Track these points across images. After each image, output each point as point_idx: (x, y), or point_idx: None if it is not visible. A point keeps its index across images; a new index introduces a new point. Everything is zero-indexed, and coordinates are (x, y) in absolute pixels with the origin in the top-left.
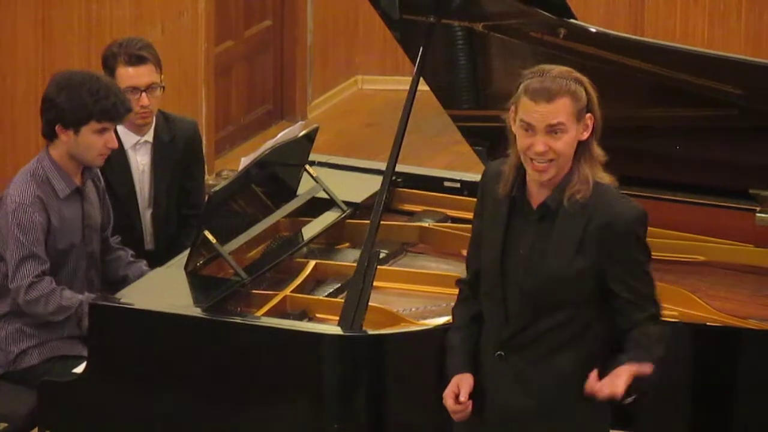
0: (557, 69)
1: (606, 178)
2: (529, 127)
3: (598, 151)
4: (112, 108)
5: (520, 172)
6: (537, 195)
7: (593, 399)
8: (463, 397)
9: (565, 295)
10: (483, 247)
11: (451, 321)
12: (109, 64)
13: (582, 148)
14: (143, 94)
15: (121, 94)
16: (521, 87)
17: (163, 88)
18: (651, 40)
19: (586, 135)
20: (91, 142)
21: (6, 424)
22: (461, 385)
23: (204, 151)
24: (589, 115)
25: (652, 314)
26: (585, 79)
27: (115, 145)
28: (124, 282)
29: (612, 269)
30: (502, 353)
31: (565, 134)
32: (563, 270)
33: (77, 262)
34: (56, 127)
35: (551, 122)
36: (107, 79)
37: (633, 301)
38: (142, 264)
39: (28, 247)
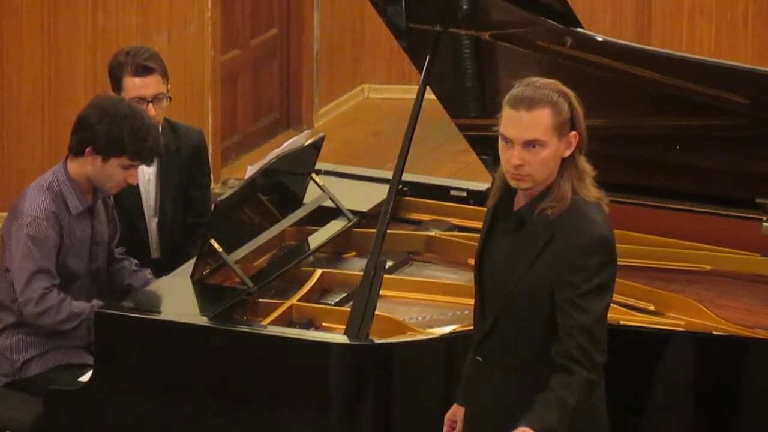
0: (544, 81)
1: (594, 194)
2: (507, 140)
3: (585, 168)
4: (148, 152)
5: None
6: (520, 202)
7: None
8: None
9: (523, 305)
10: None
11: (457, 330)
12: (116, 73)
13: (567, 164)
14: (150, 104)
15: (158, 137)
16: (505, 97)
17: (170, 98)
18: (657, 49)
19: (568, 152)
20: (115, 174)
21: None
22: (458, 418)
23: (210, 159)
24: (573, 133)
25: (589, 357)
26: (571, 94)
27: (135, 181)
28: (128, 291)
29: (559, 292)
30: (479, 358)
31: (543, 149)
32: (516, 280)
33: (82, 279)
34: (87, 149)
35: (528, 137)
36: (149, 120)
37: (568, 331)
38: (146, 272)
39: (41, 261)
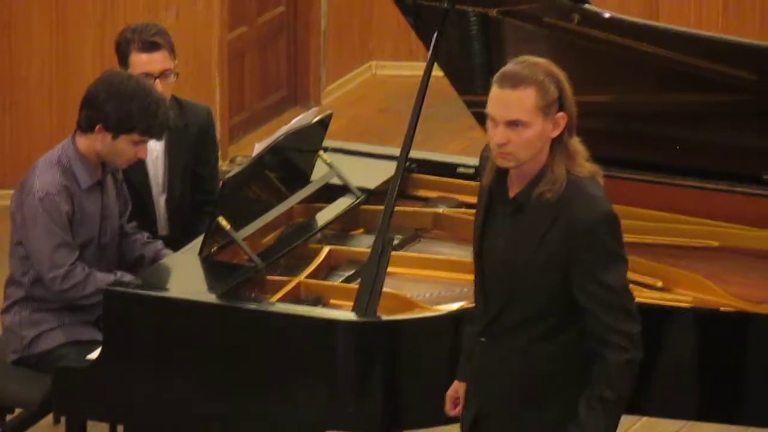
0: (535, 60)
1: (587, 168)
2: (491, 118)
3: (576, 147)
4: (158, 127)
5: None
6: (515, 186)
7: (577, 385)
8: (460, 408)
9: (532, 287)
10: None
11: (464, 306)
12: (123, 49)
13: (556, 145)
14: (157, 80)
15: (168, 111)
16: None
17: (177, 74)
18: (665, 25)
19: (556, 133)
20: (125, 149)
21: (21, 410)
22: (461, 394)
23: (217, 137)
24: (561, 114)
25: (620, 333)
26: (561, 75)
27: (145, 156)
28: (139, 261)
29: (573, 272)
30: (485, 339)
31: (526, 129)
32: (527, 263)
33: (92, 254)
34: (97, 126)
35: (510, 117)
36: (158, 95)
37: (596, 314)
38: (158, 243)
39: (61, 235)
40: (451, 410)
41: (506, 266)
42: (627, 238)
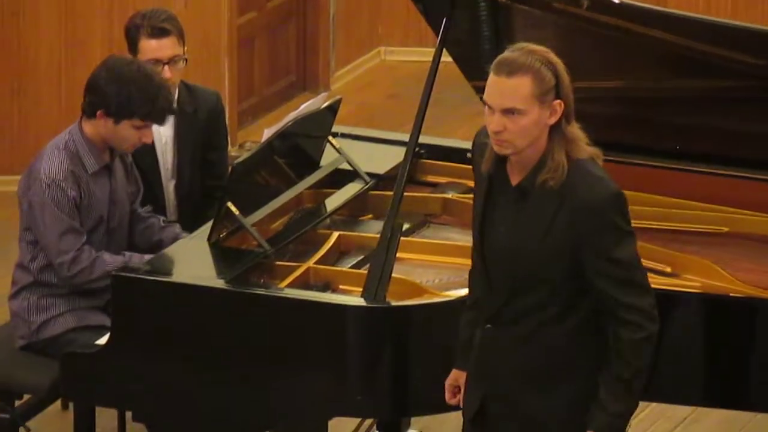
0: (532, 47)
1: (587, 151)
2: (488, 106)
3: (575, 133)
4: (158, 112)
5: None
6: (515, 174)
7: (583, 369)
8: (460, 398)
9: (541, 273)
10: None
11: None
12: (132, 35)
13: (554, 131)
14: (166, 66)
15: (169, 96)
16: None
17: (186, 60)
18: (674, 10)
19: (553, 120)
20: (129, 135)
21: (29, 396)
22: (461, 383)
23: (227, 122)
24: (558, 101)
25: (635, 309)
26: (558, 63)
27: (150, 140)
28: (159, 246)
29: (585, 256)
30: (491, 326)
31: (523, 117)
32: (536, 249)
33: (101, 239)
34: (98, 112)
35: (506, 105)
36: (159, 79)
37: (611, 294)
38: (176, 227)
39: (67, 221)
40: (450, 399)
41: (511, 254)
42: (636, 223)
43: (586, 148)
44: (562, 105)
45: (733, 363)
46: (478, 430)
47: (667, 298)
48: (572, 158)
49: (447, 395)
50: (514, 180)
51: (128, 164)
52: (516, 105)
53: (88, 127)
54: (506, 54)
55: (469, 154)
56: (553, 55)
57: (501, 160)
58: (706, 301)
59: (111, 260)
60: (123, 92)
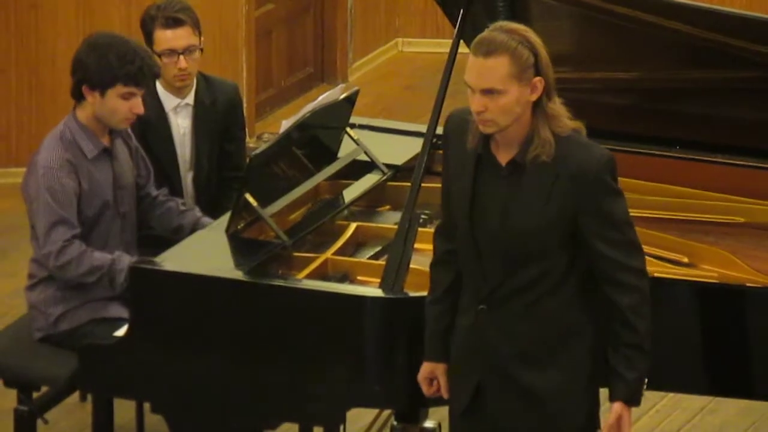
0: (510, 26)
1: (569, 125)
2: (468, 86)
3: (557, 110)
4: (138, 72)
5: None
6: (504, 152)
7: (578, 337)
8: (443, 391)
9: (538, 248)
10: (452, 200)
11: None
12: (147, 27)
13: (537, 107)
14: (181, 56)
15: (148, 59)
16: None
17: (202, 50)
18: (689, 1)
19: (534, 96)
20: (117, 106)
21: (48, 388)
22: (438, 375)
23: (245, 113)
24: (538, 78)
25: (631, 270)
26: (537, 41)
27: (141, 110)
28: (178, 231)
29: (584, 221)
30: (485, 307)
31: (502, 96)
32: (533, 224)
33: (110, 224)
34: (83, 88)
35: (484, 86)
36: (135, 43)
37: (609, 256)
38: (195, 211)
39: (58, 211)
40: (429, 391)
41: (509, 230)
42: (652, 214)
43: (568, 123)
44: (542, 82)
45: (749, 352)
46: (472, 421)
47: (684, 288)
48: (557, 133)
49: (424, 388)
50: (503, 158)
51: (132, 147)
52: (494, 85)
53: (81, 112)
54: (484, 34)
55: (440, 142)
56: (531, 33)
57: (486, 138)
58: (724, 290)
59: (99, 256)
60: (101, 60)
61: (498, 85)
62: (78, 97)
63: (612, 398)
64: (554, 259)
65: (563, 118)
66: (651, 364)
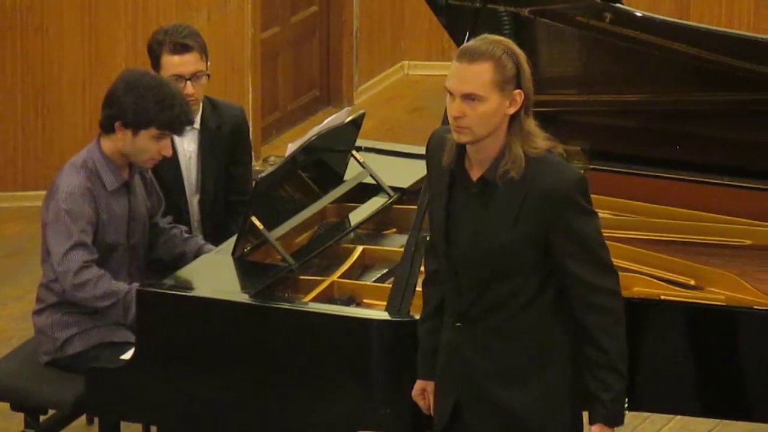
0: (496, 38)
1: (543, 146)
2: (449, 92)
3: (531, 127)
4: (175, 120)
5: (461, 144)
6: (476, 168)
7: (555, 355)
8: (429, 409)
9: (509, 265)
10: (431, 218)
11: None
12: (155, 51)
13: (513, 123)
14: (188, 82)
15: (186, 106)
16: None
17: (209, 75)
18: (697, 24)
19: (512, 110)
20: (147, 146)
21: (54, 411)
22: (428, 392)
23: (251, 137)
24: (518, 91)
25: (601, 290)
26: (521, 54)
27: (169, 153)
28: (182, 258)
29: (554, 239)
30: (461, 324)
31: (481, 103)
32: (502, 242)
33: (121, 256)
34: (116, 124)
35: (465, 91)
36: (175, 88)
37: (578, 275)
38: (198, 239)
39: (79, 235)
40: (424, 407)
41: (480, 248)
42: (660, 236)
43: (542, 143)
44: (522, 95)
45: (758, 375)
46: None
47: (691, 311)
48: (530, 151)
49: (420, 404)
50: (475, 175)
51: (148, 180)
52: (476, 91)
53: (107, 143)
54: (470, 43)
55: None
56: (515, 46)
57: (461, 156)
58: (731, 313)
59: (117, 283)
60: (140, 101)
61: (479, 91)
62: (107, 129)
63: (591, 421)
64: (526, 278)
65: (537, 137)
66: (627, 379)
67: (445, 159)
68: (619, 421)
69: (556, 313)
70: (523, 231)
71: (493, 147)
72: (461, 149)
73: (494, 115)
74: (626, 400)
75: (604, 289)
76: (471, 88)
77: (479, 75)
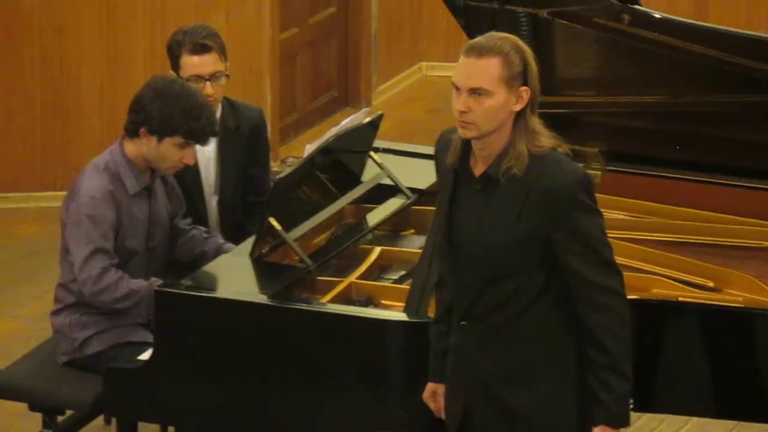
0: (503, 34)
1: (547, 144)
2: (455, 87)
3: (536, 125)
4: (200, 130)
5: (467, 142)
6: (480, 165)
7: (561, 355)
8: (439, 412)
9: (512, 263)
10: (436, 217)
11: None
12: (174, 52)
13: (518, 120)
14: (207, 82)
15: (212, 117)
16: None
17: (228, 76)
18: (715, 25)
19: (518, 107)
20: (170, 154)
21: (73, 411)
22: (439, 395)
23: (269, 138)
24: (525, 88)
25: (604, 289)
26: (528, 51)
27: (192, 162)
28: (202, 258)
29: (557, 238)
30: (465, 323)
31: (488, 98)
32: (504, 240)
33: (140, 260)
34: (141, 129)
35: (473, 85)
36: (203, 99)
37: (581, 274)
38: (218, 238)
39: (99, 240)
40: (435, 409)
41: (483, 246)
42: (677, 238)
43: (546, 141)
44: (529, 92)
45: None
46: None
47: (710, 313)
48: (534, 149)
49: (431, 406)
50: (478, 172)
51: (169, 183)
52: (483, 85)
53: (130, 147)
54: (477, 39)
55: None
56: (522, 43)
57: (466, 154)
58: (749, 315)
59: (136, 283)
60: (166, 109)
61: (487, 85)
62: (132, 134)
63: (594, 423)
64: (530, 276)
65: (542, 136)
66: (631, 379)
67: (450, 158)
68: (622, 422)
69: (561, 313)
70: (525, 228)
71: (497, 143)
72: (466, 147)
73: (500, 111)
74: (631, 401)
75: (607, 289)
76: (478, 83)
77: (487, 69)
